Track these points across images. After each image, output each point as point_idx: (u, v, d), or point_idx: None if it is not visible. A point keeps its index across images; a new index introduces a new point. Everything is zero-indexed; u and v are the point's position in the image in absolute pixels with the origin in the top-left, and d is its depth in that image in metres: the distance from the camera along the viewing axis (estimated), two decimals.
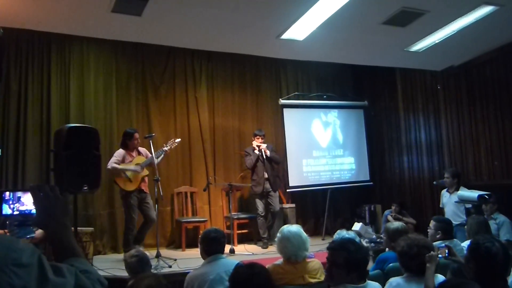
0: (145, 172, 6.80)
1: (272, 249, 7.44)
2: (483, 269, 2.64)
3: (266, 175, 7.97)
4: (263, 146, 7.94)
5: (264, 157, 7.95)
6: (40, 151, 7.22)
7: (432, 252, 3.19)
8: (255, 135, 8.05)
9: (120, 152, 6.85)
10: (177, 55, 8.54)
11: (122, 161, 6.79)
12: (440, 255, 3.38)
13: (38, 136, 7.25)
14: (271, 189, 8.01)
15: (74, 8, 5.44)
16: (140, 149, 6.98)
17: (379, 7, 5.73)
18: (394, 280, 3.16)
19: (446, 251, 3.51)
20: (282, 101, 9.20)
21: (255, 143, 7.95)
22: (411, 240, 3.21)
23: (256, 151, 7.93)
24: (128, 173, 6.70)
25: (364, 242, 4.85)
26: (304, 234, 3.84)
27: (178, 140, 7.25)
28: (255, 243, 8.16)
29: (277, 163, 8.35)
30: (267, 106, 9.42)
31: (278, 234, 3.85)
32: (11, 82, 7.14)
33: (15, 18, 5.72)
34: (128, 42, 7.55)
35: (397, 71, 9.42)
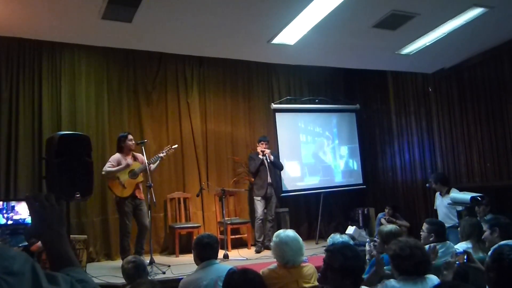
0: (140, 178, 6.78)
1: (265, 253, 7.46)
2: (505, 280, 2.52)
3: (269, 180, 8.04)
4: (268, 151, 8.09)
5: (268, 161, 8.06)
6: (32, 159, 7.18)
7: (449, 259, 3.17)
8: (260, 141, 8.22)
9: (114, 157, 6.87)
10: (168, 61, 8.53)
11: (117, 166, 6.82)
12: (458, 262, 3.34)
13: (29, 144, 7.21)
14: (273, 194, 8.15)
15: (64, 16, 5.44)
16: (137, 154, 6.95)
17: (369, 11, 5.75)
18: (389, 282, 3.13)
19: (465, 257, 3.44)
20: (274, 106, 9.20)
21: (259, 149, 8.05)
22: (402, 242, 3.17)
23: (261, 156, 8.02)
24: (122, 179, 6.71)
25: (368, 246, 4.82)
26: (301, 239, 3.86)
27: (174, 146, 7.23)
28: (249, 248, 8.17)
29: (279, 169, 8.49)
30: (259, 111, 9.42)
31: (275, 239, 3.84)
32: (2, 90, 7.10)
33: (5, 26, 5.70)
34: (119, 48, 7.52)
35: (389, 74, 9.45)
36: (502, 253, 2.57)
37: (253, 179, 8.37)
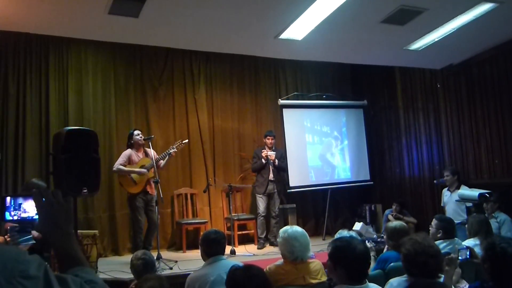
0: (151, 174, 6.80)
1: (271, 249, 7.48)
2: (499, 269, 2.64)
3: (271, 177, 8.02)
4: (272, 155, 7.98)
5: (272, 165, 8.01)
6: (39, 154, 7.21)
7: (452, 255, 3.15)
8: (266, 136, 8.15)
9: (126, 152, 6.94)
10: (175, 57, 8.52)
11: (129, 161, 6.88)
12: (460, 257, 3.38)
13: (37, 139, 7.24)
14: (275, 191, 8.08)
15: (71, 11, 5.42)
16: (148, 150, 6.96)
17: (377, 6, 5.70)
18: (394, 281, 3.11)
19: (467, 252, 3.49)
20: (281, 102, 9.17)
21: (264, 152, 7.97)
22: (419, 245, 2.99)
23: (263, 160, 7.99)
24: (133, 175, 6.75)
25: (368, 243, 4.81)
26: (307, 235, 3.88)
27: (185, 141, 7.30)
28: (255, 244, 8.16)
29: (284, 171, 8.42)
30: (266, 107, 9.40)
31: (283, 235, 3.84)
32: (9, 86, 7.12)
33: (12, 21, 5.69)
34: (125, 44, 7.51)
35: (397, 70, 9.40)
36: (494, 243, 2.71)
37: None
